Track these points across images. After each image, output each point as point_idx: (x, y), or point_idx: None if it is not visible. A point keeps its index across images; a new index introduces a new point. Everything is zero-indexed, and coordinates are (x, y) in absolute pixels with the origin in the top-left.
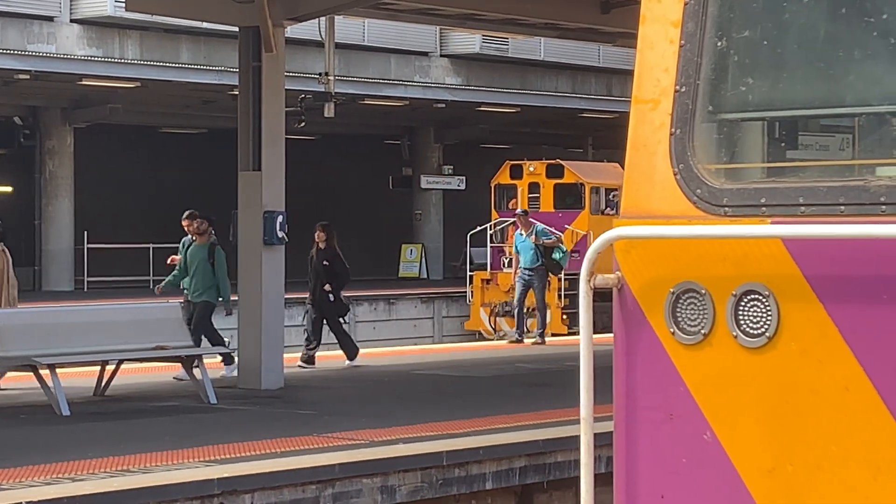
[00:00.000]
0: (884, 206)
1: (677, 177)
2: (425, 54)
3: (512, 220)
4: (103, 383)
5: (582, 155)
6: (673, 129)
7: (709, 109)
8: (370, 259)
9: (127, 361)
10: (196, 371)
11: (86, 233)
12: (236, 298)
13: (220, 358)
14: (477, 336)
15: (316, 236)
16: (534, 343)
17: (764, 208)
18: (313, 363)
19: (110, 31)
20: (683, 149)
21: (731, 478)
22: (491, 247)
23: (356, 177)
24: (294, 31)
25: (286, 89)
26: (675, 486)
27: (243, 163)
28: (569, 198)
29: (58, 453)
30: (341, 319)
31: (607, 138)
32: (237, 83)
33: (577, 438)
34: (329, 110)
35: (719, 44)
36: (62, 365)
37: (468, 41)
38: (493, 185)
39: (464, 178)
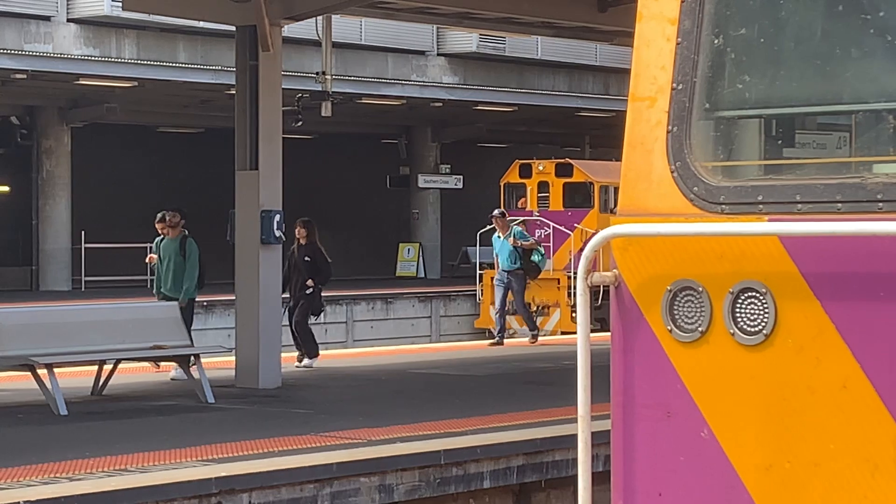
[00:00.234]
0: (881, 204)
1: (674, 174)
2: (422, 53)
3: (522, 218)
4: (101, 383)
5: (579, 153)
6: (670, 127)
7: (705, 107)
8: (367, 258)
9: (124, 361)
10: (193, 370)
11: (83, 232)
12: (233, 298)
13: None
14: (486, 334)
15: (297, 232)
16: (530, 343)
17: (761, 206)
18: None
19: (107, 30)
20: (680, 146)
21: (728, 475)
22: None
23: (353, 176)
24: (291, 30)
25: (283, 88)
26: (673, 483)
27: (240, 162)
28: (578, 196)
29: (55, 453)
30: (313, 317)
31: (605, 137)
32: (234, 82)
33: (574, 437)
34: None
35: (716, 41)
36: (60, 364)
37: (465, 40)
38: (502, 184)
39: (461, 176)
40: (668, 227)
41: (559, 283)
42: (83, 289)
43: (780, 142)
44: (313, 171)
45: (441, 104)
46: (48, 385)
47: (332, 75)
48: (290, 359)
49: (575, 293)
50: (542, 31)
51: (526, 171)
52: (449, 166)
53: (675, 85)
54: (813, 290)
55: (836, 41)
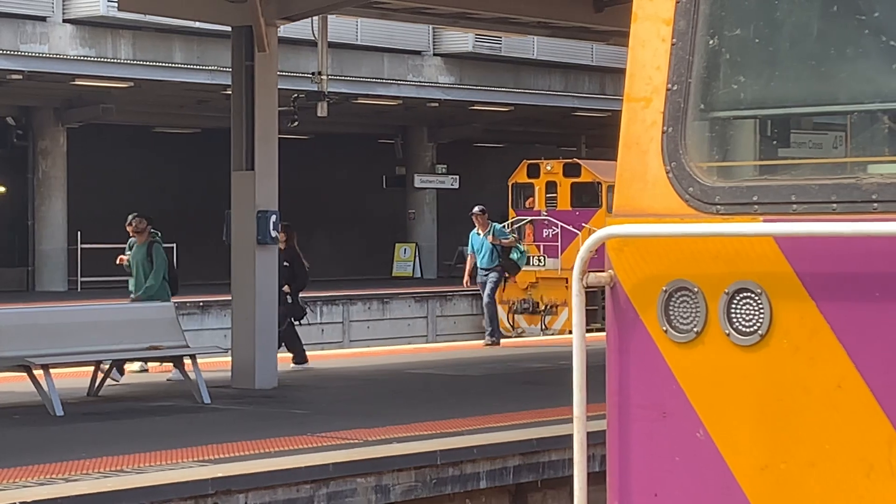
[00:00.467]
0: (876, 204)
1: (669, 175)
2: (418, 53)
3: (529, 218)
4: (97, 383)
5: (576, 153)
6: (665, 128)
7: (701, 107)
8: (364, 258)
9: (120, 362)
10: (189, 371)
11: (79, 233)
12: (230, 298)
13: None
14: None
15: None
16: (486, 345)
17: (756, 206)
18: (305, 362)
19: (103, 30)
20: (675, 147)
21: (723, 476)
22: None
23: (350, 176)
24: (287, 30)
25: (279, 89)
26: (669, 484)
27: (236, 162)
28: (586, 196)
29: (51, 453)
30: (297, 322)
31: (600, 137)
32: (230, 83)
33: (570, 437)
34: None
35: (711, 42)
36: (56, 365)
37: (461, 40)
38: (510, 184)
39: (457, 176)
40: (664, 228)
41: (567, 283)
42: (79, 289)
43: (775, 142)
44: (309, 171)
45: (437, 104)
46: (44, 386)
47: (328, 75)
48: (286, 359)
49: None
50: (538, 31)
51: (534, 171)
52: (445, 166)
53: (670, 85)
54: (808, 291)
55: (831, 42)
